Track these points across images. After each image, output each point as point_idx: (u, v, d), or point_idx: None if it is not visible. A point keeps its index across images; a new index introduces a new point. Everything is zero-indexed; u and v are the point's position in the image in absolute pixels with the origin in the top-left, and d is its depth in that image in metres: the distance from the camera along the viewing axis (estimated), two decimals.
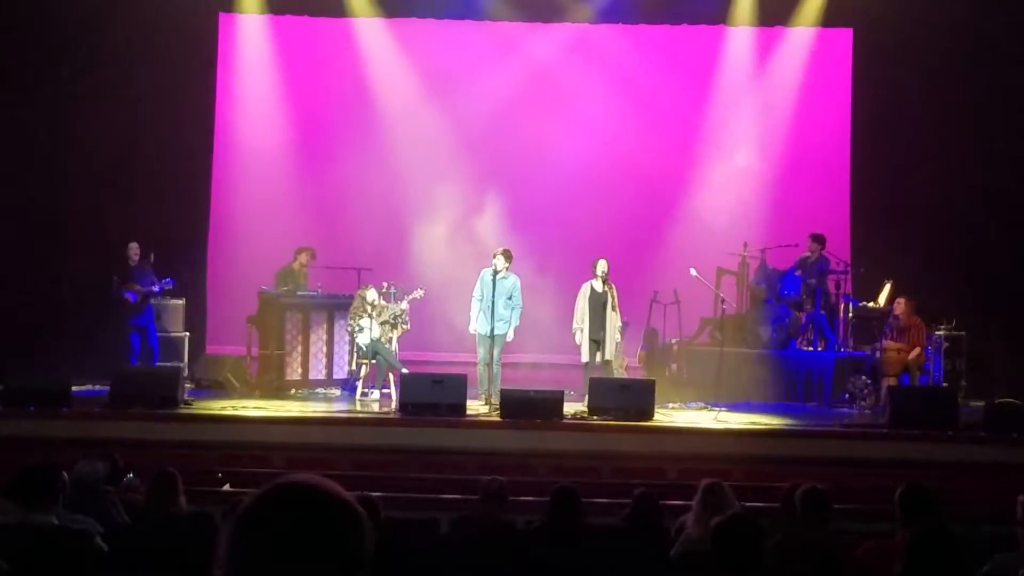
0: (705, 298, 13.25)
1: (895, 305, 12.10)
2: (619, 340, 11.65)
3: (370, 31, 14.79)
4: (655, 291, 13.34)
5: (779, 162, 14.59)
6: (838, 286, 13.00)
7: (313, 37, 14.92)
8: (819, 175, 14.62)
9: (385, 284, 12.16)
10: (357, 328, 11.72)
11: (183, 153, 14.17)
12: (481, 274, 11.48)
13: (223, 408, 10.94)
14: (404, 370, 11.46)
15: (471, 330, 11.55)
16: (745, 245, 13.40)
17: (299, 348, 12.41)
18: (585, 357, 11.48)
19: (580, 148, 14.49)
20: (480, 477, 7.17)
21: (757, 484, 8.61)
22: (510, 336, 11.50)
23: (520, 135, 14.58)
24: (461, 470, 9.43)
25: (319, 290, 12.57)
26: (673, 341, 13.27)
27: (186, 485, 6.26)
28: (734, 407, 11.52)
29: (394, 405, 11.08)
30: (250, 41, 14.78)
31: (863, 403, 11.85)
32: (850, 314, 12.65)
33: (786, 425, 10.85)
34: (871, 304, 12.74)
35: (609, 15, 14.58)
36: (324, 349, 12.52)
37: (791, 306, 13.01)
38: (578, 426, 10.41)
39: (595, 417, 10.51)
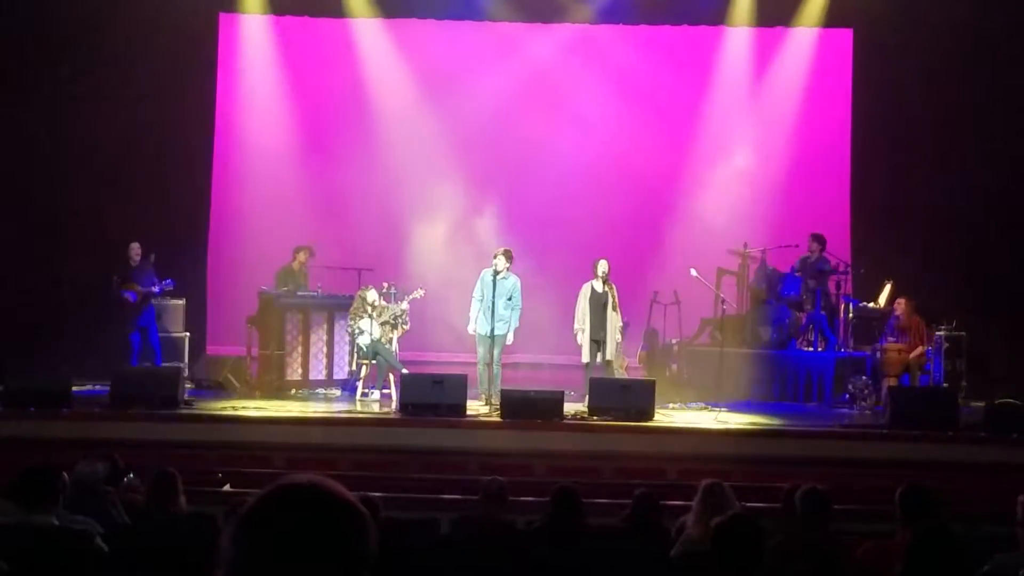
0: (705, 298, 13.25)
1: (895, 305, 12.10)
2: (620, 340, 11.64)
3: (370, 32, 14.80)
4: (655, 291, 13.35)
5: (779, 162, 14.59)
6: (838, 286, 13.00)
7: (314, 38, 14.92)
8: (819, 175, 14.62)
9: (385, 284, 12.16)
10: (357, 329, 11.72)
11: (183, 153, 14.17)
12: (481, 274, 11.47)
13: (223, 408, 10.93)
14: (404, 370, 11.46)
15: (470, 330, 11.54)
16: (745, 245, 13.40)
17: (299, 348, 12.41)
18: (586, 357, 11.47)
19: (580, 148, 14.50)
20: (480, 477, 7.18)
21: (757, 484, 8.60)
22: (510, 339, 11.49)
23: (520, 135, 14.58)
24: (461, 470, 9.44)
25: (319, 290, 12.57)
26: (673, 341, 13.28)
27: (186, 485, 6.25)
28: (734, 407, 11.52)
29: (394, 405, 11.08)
30: (251, 41, 14.79)
31: (863, 403, 11.85)
32: (850, 314, 12.65)
33: (786, 425, 10.85)
34: (871, 304, 12.74)
35: (609, 15, 14.58)
36: (324, 349, 12.52)
37: (791, 306, 13.01)
38: (578, 426, 10.41)
39: (595, 417, 10.51)
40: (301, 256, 12.76)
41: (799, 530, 5.22)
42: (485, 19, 14.63)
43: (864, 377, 12.02)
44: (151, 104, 13.67)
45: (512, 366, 12.40)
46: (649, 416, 10.55)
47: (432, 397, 10.51)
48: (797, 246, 13.29)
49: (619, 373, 11.65)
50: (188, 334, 13.12)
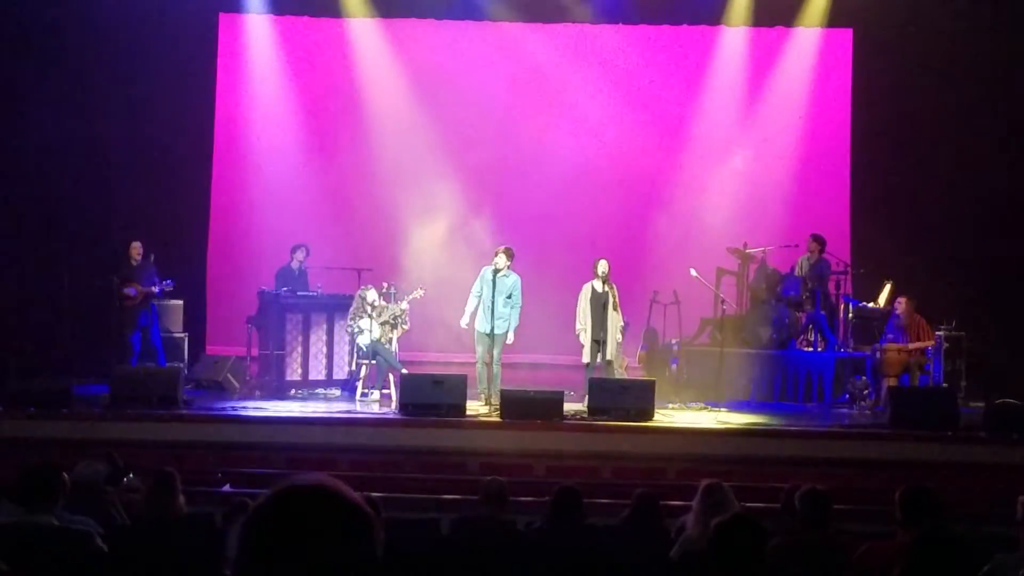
0: (705, 298, 13.25)
1: (896, 305, 12.10)
2: (620, 340, 11.63)
3: (369, 32, 14.80)
4: (655, 291, 13.34)
5: (779, 162, 14.60)
6: (838, 286, 13.00)
7: (314, 38, 14.92)
8: (819, 175, 14.63)
9: (385, 284, 12.16)
10: (357, 328, 11.72)
11: (183, 153, 14.17)
12: (482, 271, 11.46)
13: (223, 408, 10.93)
14: (404, 370, 11.46)
15: (462, 324, 11.50)
16: (745, 245, 13.40)
17: (299, 348, 12.42)
18: (587, 358, 11.46)
19: (579, 148, 14.50)
20: (480, 477, 7.17)
21: (757, 485, 8.61)
22: (510, 338, 11.47)
23: (520, 135, 14.58)
24: (461, 471, 9.44)
25: (319, 290, 12.57)
26: (673, 341, 13.27)
27: (186, 485, 6.25)
28: (734, 407, 11.54)
29: (394, 405, 11.08)
30: (252, 42, 14.80)
31: (863, 404, 11.85)
32: (850, 314, 12.65)
33: (786, 426, 10.85)
34: (871, 304, 12.74)
35: (609, 15, 14.58)
36: (324, 350, 12.52)
37: (791, 306, 13.01)
38: (578, 426, 10.40)
39: (595, 417, 10.50)
40: (299, 255, 12.78)
41: (799, 531, 5.21)
42: (485, 19, 14.63)
43: (864, 377, 12.02)
44: (151, 104, 13.67)
45: (512, 366, 12.39)
46: (649, 416, 10.55)
47: (432, 397, 10.51)
48: (797, 246, 13.28)
49: (619, 373, 11.64)
50: (187, 334, 13.12)
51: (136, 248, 12.43)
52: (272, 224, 14.19)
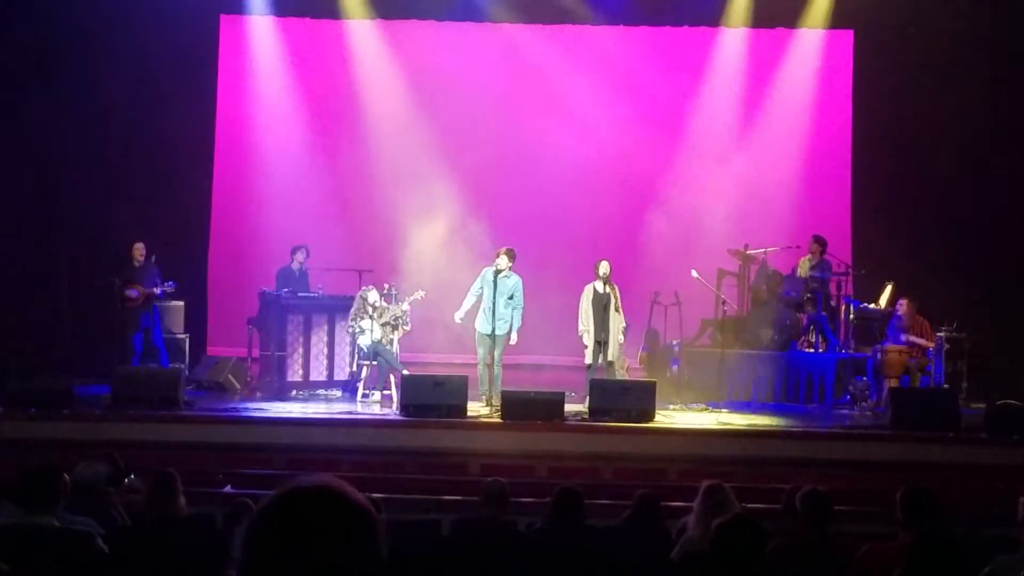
0: (706, 300, 13.24)
1: (898, 306, 12.09)
2: (622, 341, 11.63)
3: (370, 33, 14.81)
4: (656, 292, 13.33)
5: (780, 163, 14.60)
6: (839, 287, 13.00)
7: (315, 39, 14.93)
8: (820, 176, 14.63)
9: (386, 285, 12.16)
10: (358, 329, 11.72)
11: (184, 154, 14.18)
12: (483, 272, 11.46)
13: (224, 409, 10.93)
14: (405, 371, 11.46)
15: (456, 318, 11.49)
16: (746, 247, 13.40)
17: (300, 349, 12.41)
18: (589, 359, 11.44)
19: (580, 149, 14.49)
20: (481, 478, 7.17)
21: (758, 486, 8.60)
22: (514, 338, 11.46)
23: (520, 136, 14.58)
24: (462, 472, 9.44)
25: (320, 291, 12.57)
26: (674, 342, 13.27)
27: (187, 486, 6.25)
28: (735, 408, 11.54)
29: (395, 406, 11.08)
30: (253, 43, 14.81)
31: (864, 405, 11.85)
32: (851, 316, 12.65)
33: (787, 427, 10.85)
34: (872, 305, 12.74)
35: (610, 17, 14.58)
36: (325, 351, 12.51)
37: (792, 307, 13.00)
38: (579, 428, 10.41)
39: (596, 419, 10.49)
40: (299, 256, 12.78)
41: (800, 531, 5.21)
42: (485, 20, 14.64)
43: (865, 378, 12.02)
44: (153, 105, 13.68)
45: (513, 367, 12.40)
46: (650, 417, 10.55)
47: (433, 398, 10.51)
48: (798, 247, 13.28)
49: (620, 374, 11.64)
50: (188, 335, 13.12)
51: (139, 249, 12.43)
52: (273, 225, 14.19)
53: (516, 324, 11.40)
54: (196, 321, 13.61)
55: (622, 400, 10.60)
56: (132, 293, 12.25)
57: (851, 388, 12.02)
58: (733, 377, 12.32)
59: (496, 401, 10.90)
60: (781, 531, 5.16)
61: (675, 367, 13.12)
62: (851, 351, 12.49)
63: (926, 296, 12.22)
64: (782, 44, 14.75)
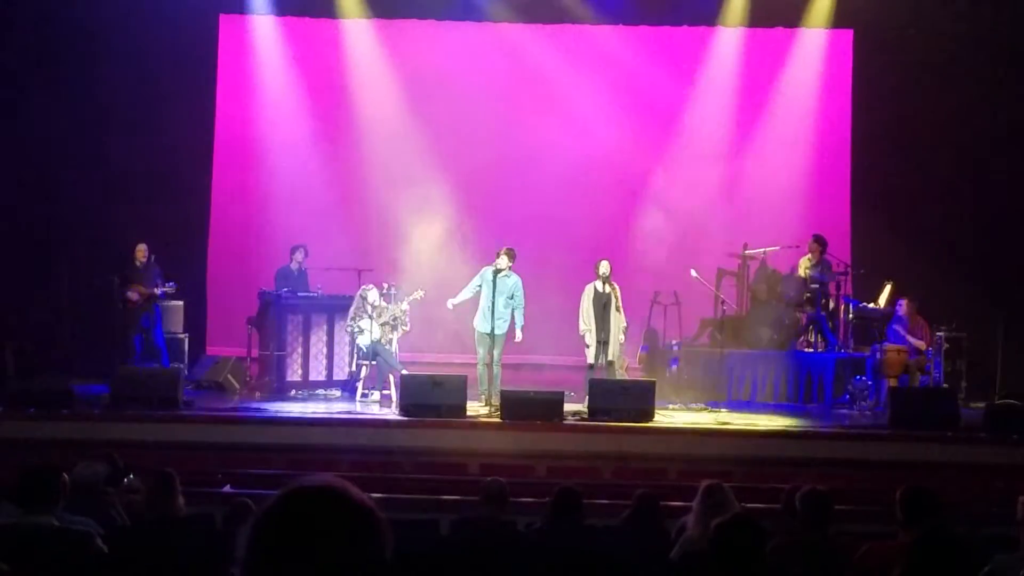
0: (705, 299, 13.25)
1: (899, 306, 12.10)
2: (623, 341, 11.62)
3: (369, 33, 14.80)
4: (656, 292, 13.34)
5: (780, 163, 14.59)
6: (838, 287, 13.00)
7: (315, 38, 14.93)
8: (820, 176, 14.63)
9: (385, 285, 12.16)
10: (357, 329, 11.72)
11: (184, 154, 14.18)
12: (483, 271, 11.45)
13: (223, 409, 10.92)
14: (404, 371, 11.45)
15: (449, 304, 11.45)
16: (745, 246, 13.40)
17: (299, 349, 12.41)
18: (591, 359, 11.43)
19: (579, 149, 14.48)
20: (480, 478, 7.16)
21: (758, 485, 8.61)
22: (519, 336, 11.44)
23: (520, 136, 14.57)
24: (461, 471, 9.43)
25: (319, 291, 12.57)
26: (673, 342, 13.27)
27: (186, 486, 6.24)
28: (734, 408, 11.54)
29: (394, 406, 11.07)
30: (253, 43, 14.80)
31: (863, 404, 11.85)
32: (850, 315, 12.65)
33: (786, 426, 10.85)
34: (871, 305, 12.74)
35: (609, 16, 14.58)
36: (324, 350, 12.51)
37: (791, 307, 13.00)
38: (578, 427, 10.40)
39: (595, 418, 10.49)
40: (298, 255, 12.78)
41: (799, 531, 5.21)
42: (485, 20, 14.64)
43: (864, 378, 12.02)
44: (152, 105, 13.68)
45: (513, 367, 12.39)
46: (649, 417, 10.55)
47: (432, 398, 10.51)
48: (798, 247, 13.28)
49: (620, 374, 11.64)
50: (188, 335, 13.12)
51: (142, 250, 12.44)
52: (273, 225, 14.20)
53: (520, 322, 11.39)
54: (195, 321, 13.61)
55: (621, 400, 10.60)
56: (132, 295, 12.25)
57: (850, 388, 12.02)
58: (732, 377, 12.33)
59: (495, 401, 10.90)
60: (781, 531, 5.16)
61: (674, 367, 13.12)
62: (850, 351, 12.49)
63: (926, 296, 12.23)
64: (782, 44, 14.75)
